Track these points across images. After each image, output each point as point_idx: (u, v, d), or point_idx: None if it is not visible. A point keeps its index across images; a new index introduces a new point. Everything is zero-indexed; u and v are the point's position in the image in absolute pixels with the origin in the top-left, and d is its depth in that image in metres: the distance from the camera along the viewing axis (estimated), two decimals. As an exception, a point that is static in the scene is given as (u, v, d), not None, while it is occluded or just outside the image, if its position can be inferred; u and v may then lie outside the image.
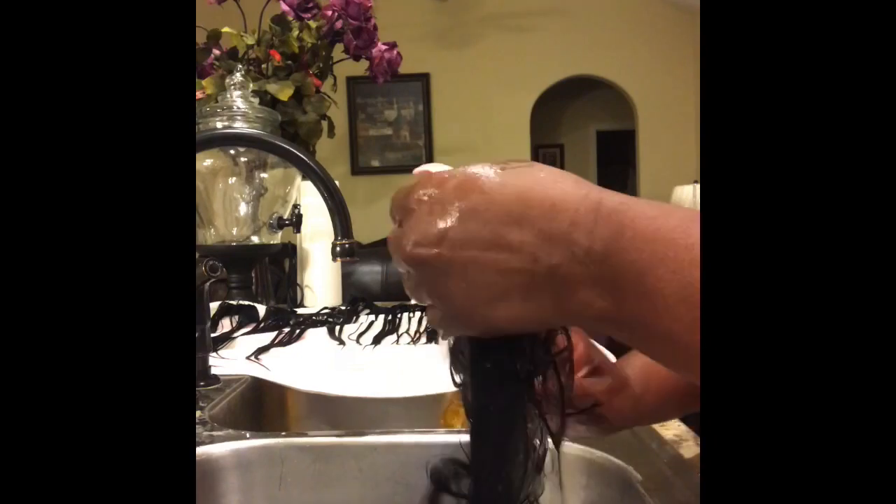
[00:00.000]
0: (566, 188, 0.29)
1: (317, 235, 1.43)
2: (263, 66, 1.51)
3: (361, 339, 1.05)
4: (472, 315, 0.30)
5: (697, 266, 0.25)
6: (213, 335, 0.96)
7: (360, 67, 1.64)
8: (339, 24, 1.55)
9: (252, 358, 0.93)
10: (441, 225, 0.30)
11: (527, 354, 0.33)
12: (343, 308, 1.26)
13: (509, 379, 0.33)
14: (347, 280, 1.68)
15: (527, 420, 0.33)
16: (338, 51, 1.60)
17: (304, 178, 1.34)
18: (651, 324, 0.27)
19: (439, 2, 3.86)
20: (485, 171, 0.30)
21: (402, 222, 0.32)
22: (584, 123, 6.51)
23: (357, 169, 4.87)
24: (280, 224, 1.33)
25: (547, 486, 0.36)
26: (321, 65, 1.57)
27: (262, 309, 1.15)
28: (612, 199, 0.29)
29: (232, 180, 1.34)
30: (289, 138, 1.45)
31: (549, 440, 0.35)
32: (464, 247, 0.29)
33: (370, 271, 2.06)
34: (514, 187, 0.29)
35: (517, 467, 0.34)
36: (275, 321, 1.12)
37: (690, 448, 0.56)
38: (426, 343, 1.03)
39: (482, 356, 0.33)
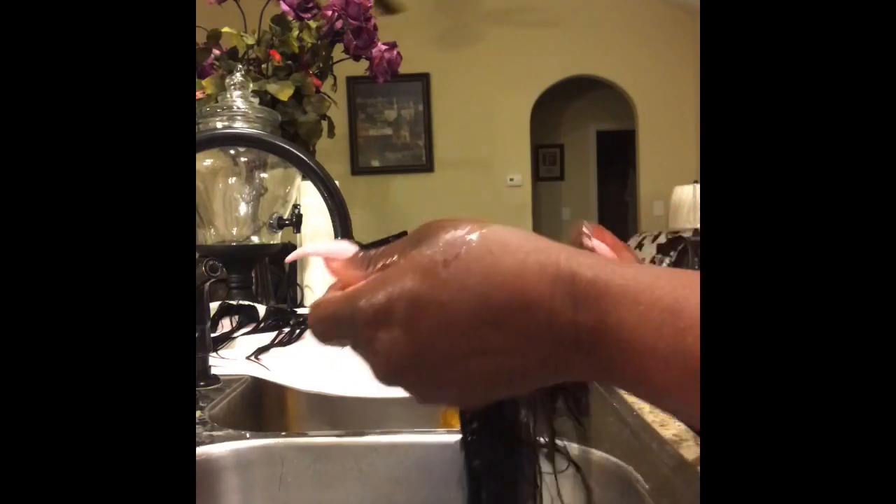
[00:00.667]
0: (531, 274, 0.26)
1: (317, 235, 1.43)
2: (263, 66, 1.51)
3: (361, 339, 1.05)
4: (470, 403, 0.30)
5: (692, 354, 0.24)
6: (213, 335, 0.96)
7: (360, 67, 1.64)
8: (339, 24, 1.55)
9: (252, 358, 0.93)
10: (410, 357, 0.28)
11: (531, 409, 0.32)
12: (343, 308, 1.26)
13: (512, 433, 0.32)
14: (347, 280, 1.67)
15: (531, 467, 0.33)
16: (338, 51, 1.60)
17: (304, 178, 1.34)
18: (650, 398, 0.27)
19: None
20: (429, 276, 0.27)
21: (359, 353, 0.30)
22: (584, 123, 6.51)
23: (357, 169, 4.87)
24: (280, 224, 1.33)
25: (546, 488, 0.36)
26: (321, 65, 1.57)
27: (262, 309, 1.15)
28: (585, 273, 0.26)
29: (232, 180, 1.34)
30: (289, 138, 1.45)
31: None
32: (444, 362, 0.27)
33: (370, 271, 2.05)
34: (472, 290, 0.26)
35: None
36: (275, 321, 1.12)
37: (690, 448, 0.56)
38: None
39: (486, 417, 0.32)
